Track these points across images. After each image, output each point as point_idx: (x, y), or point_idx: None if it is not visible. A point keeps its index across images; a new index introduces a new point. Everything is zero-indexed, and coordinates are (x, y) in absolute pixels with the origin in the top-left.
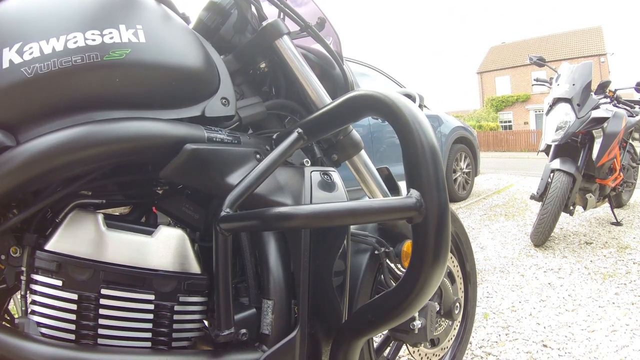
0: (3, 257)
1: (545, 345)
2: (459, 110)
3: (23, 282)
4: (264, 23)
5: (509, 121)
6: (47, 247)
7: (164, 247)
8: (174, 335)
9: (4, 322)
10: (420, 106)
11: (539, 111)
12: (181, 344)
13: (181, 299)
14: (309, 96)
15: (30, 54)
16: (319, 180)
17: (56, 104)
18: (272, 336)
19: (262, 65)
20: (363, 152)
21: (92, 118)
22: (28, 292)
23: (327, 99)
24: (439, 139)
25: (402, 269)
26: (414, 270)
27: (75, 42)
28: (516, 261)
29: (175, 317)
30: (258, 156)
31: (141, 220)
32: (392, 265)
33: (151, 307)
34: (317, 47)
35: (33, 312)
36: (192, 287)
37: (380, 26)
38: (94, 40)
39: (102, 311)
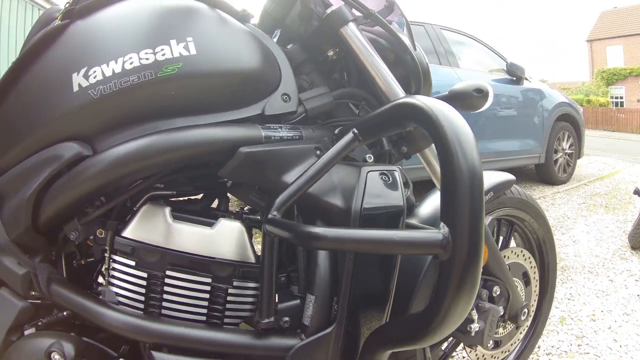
0: (92, 237)
1: None
2: (565, 82)
3: (106, 257)
4: (328, 10)
5: (621, 97)
6: (124, 234)
7: (222, 238)
8: (227, 313)
9: (95, 286)
10: (520, 79)
11: None
12: (233, 321)
13: (235, 283)
14: (378, 87)
15: (95, 77)
16: (375, 182)
17: (122, 118)
18: (311, 328)
19: (330, 53)
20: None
21: (157, 128)
22: (110, 266)
23: (398, 89)
24: (540, 113)
25: None
26: (436, 303)
27: (131, 63)
28: (608, 263)
29: (229, 298)
30: (318, 152)
31: (212, 204)
32: None
33: (208, 288)
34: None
35: (112, 284)
36: (247, 274)
37: None
38: (147, 59)
39: (166, 288)
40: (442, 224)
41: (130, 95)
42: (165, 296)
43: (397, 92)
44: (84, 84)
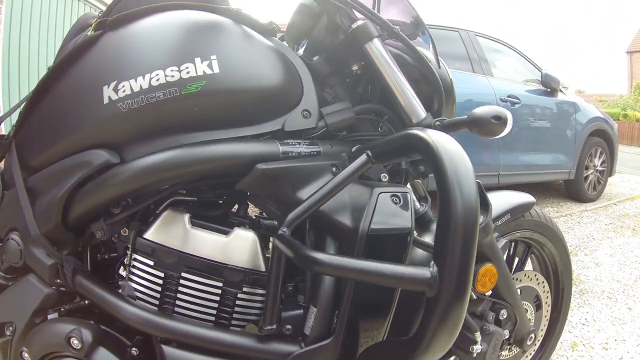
0: (117, 235)
1: None
2: (603, 94)
3: (128, 254)
4: (354, 25)
5: None
6: (146, 235)
7: (236, 247)
8: (234, 316)
9: (116, 278)
10: (555, 91)
11: None
12: (240, 323)
13: (245, 289)
14: (399, 105)
15: (123, 91)
16: (386, 203)
17: (148, 131)
18: (310, 338)
19: (355, 67)
20: None
21: (180, 141)
22: (131, 264)
23: (419, 108)
24: (573, 127)
25: (473, 293)
26: (419, 334)
27: (158, 80)
28: (629, 289)
29: (238, 302)
30: (334, 169)
31: (232, 209)
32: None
33: (219, 291)
34: (417, 45)
35: (131, 280)
36: (256, 281)
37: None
38: (172, 76)
39: (180, 289)
40: (432, 262)
41: (155, 110)
42: (179, 295)
43: (418, 111)
44: (114, 97)
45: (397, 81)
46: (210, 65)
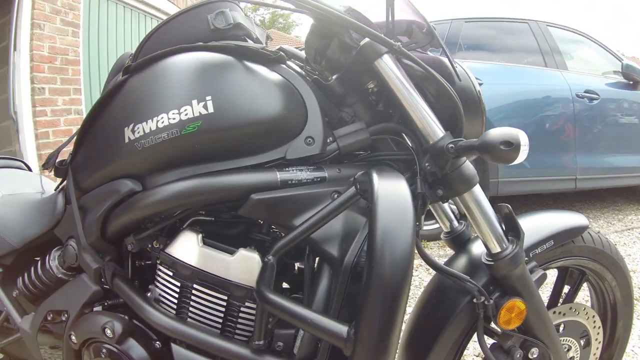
0: (149, 246)
1: None
2: None
3: (158, 263)
4: (362, 42)
5: None
6: (167, 250)
7: (239, 266)
8: (238, 327)
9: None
10: (638, 83)
11: None
12: (243, 333)
13: (247, 304)
14: (414, 125)
15: (138, 132)
16: None
17: (160, 165)
18: (297, 358)
19: (371, 85)
20: (476, 188)
21: (186, 173)
22: (157, 272)
23: (436, 128)
24: None
25: (498, 328)
26: None
27: (162, 122)
28: None
29: (241, 315)
30: (335, 196)
31: (254, 226)
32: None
33: (224, 304)
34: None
35: (157, 286)
36: None
37: None
38: (174, 119)
39: (193, 298)
40: (354, 321)
41: (163, 148)
42: (192, 304)
43: (434, 130)
44: (132, 137)
45: (410, 99)
46: (205, 106)
